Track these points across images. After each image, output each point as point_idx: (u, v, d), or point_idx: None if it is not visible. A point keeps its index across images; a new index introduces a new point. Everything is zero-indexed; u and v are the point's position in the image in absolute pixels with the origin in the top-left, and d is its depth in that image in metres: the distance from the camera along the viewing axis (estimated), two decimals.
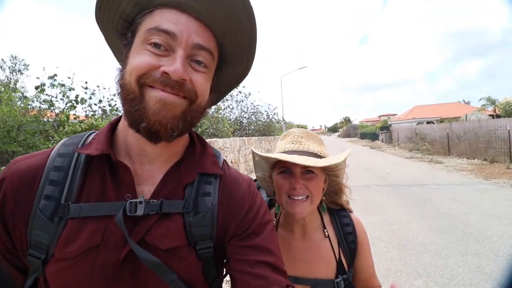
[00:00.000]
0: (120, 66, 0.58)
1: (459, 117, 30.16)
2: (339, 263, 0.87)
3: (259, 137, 14.22)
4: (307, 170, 0.84)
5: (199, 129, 9.78)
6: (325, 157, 0.88)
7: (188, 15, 0.53)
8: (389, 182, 8.11)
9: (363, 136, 41.55)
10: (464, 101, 48.61)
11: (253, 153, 0.95)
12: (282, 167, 0.86)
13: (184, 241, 0.54)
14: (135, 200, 0.52)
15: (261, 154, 0.88)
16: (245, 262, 0.55)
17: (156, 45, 0.50)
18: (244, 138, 11.34)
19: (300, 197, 0.82)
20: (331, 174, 0.90)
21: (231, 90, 0.73)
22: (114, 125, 0.62)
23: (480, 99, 29.62)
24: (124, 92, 0.52)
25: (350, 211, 0.98)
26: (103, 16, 0.56)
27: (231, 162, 9.27)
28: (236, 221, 0.59)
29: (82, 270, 0.49)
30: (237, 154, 9.97)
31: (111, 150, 0.55)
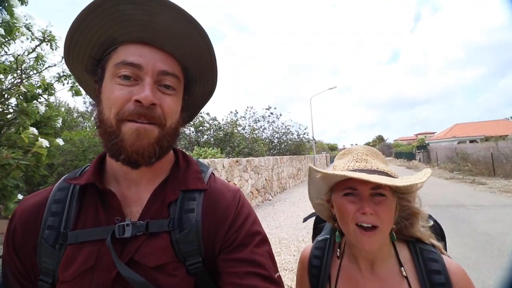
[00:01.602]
0: (93, 102, 0.64)
1: (507, 135, 28.06)
2: None
3: (290, 156, 14.72)
4: (377, 193, 0.70)
5: (236, 148, 10.61)
6: (397, 177, 0.74)
7: (151, 47, 0.57)
8: (426, 203, 7.99)
9: (398, 155, 39.90)
10: (511, 118, 44.89)
11: (310, 170, 0.81)
12: (347, 188, 0.73)
13: (173, 258, 0.56)
14: (123, 223, 0.56)
15: (324, 171, 0.75)
16: (234, 274, 0.55)
17: (125, 77, 0.54)
18: (276, 157, 11.94)
19: (368, 225, 0.69)
20: (403, 198, 0.75)
21: (203, 106, 0.77)
22: (103, 155, 0.66)
23: None
24: (103, 126, 0.56)
25: (441, 252, 0.76)
26: (72, 59, 0.61)
27: (265, 179, 9.86)
28: (221, 233, 0.59)
29: None
30: (270, 172, 10.54)
31: (97, 179, 0.60)
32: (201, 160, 5.90)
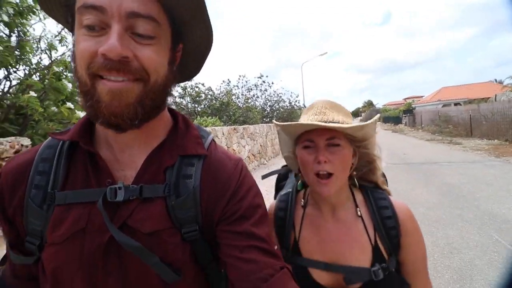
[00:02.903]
0: None
1: (489, 97, 29.04)
2: (375, 248, 0.77)
3: (283, 123, 15.32)
4: (332, 143, 0.76)
5: (232, 117, 11.15)
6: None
7: None
8: (404, 161, 9.00)
9: (386, 120, 41.07)
10: (496, 80, 45.93)
11: (275, 124, 0.88)
12: (306, 141, 0.79)
13: (168, 224, 0.53)
14: (115, 186, 0.52)
15: (282, 124, 0.81)
16: (235, 247, 0.53)
17: (89, 27, 0.45)
18: (270, 124, 12.56)
19: (324, 172, 0.75)
20: (360, 146, 0.81)
21: (204, 59, 0.66)
22: None
23: (509, 77, 28.16)
24: (79, 85, 0.49)
25: (389, 194, 0.86)
26: (52, 11, 0.55)
27: (260, 145, 10.58)
28: (221, 203, 0.56)
29: (71, 254, 0.50)
30: (264, 139, 11.24)
31: (81, 138, 0.55)
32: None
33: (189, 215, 0.55)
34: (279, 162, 10.77)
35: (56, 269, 0.51)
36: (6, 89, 3.32)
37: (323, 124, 0.71)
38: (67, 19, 0.53)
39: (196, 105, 11.96)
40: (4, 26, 3.06)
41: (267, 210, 0.79)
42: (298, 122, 0.76)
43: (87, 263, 0.50)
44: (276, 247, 0.58)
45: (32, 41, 3.58)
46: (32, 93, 2.92)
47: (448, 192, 5.39)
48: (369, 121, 0.76)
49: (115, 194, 0.52)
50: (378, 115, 0.87)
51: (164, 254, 0.52)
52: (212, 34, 0.60)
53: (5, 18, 2.88)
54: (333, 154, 0.75)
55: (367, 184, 0.88)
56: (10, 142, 2.69)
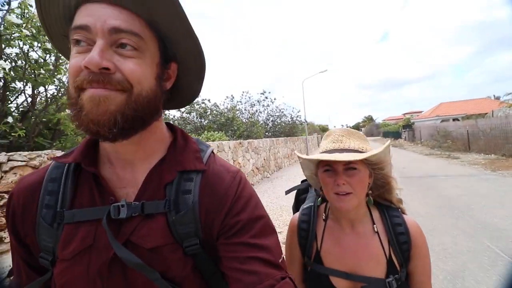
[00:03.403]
0: None
1: (486, 113, 29.61)
2: (389, 261, 0.84)
3: (285, 137, 15.77)
4: (350, 167, 0.84)
5: (237, 132, 11.57)
6: (365, 151, 0.87)
7: (102, 4, 0.49)
8: (404, 175, 9.29)
9: (386, 134, 41.61)
10: (494, 96, 46.76)
11: (298, 156, 0.98)
12: (326, 166, 0.87)
13: (170, 239, 0.54)
14: (118, 204, 0.54)
15: (304, 157, 0.92)
16: (235, 259, 0.54)
17: (77, 42, 0.48)
18: (273, 139, 12.98)
19: (343, 193, 0.83)
20: (376, 168, 0.89)
21: (201, 80, 0.66)
22: None
23: (507, 94, 28.82)
24: (68, 100, 0.52)
25: (403, 212, 0.95)
26: (59, 45, 0.59)
27: (264, 159, 10.92)
28: (219, 217, 0.57)
29: (79, 270, 0.53)
30: (268, 153, 11.59)
31: (84, 159, 0.58)
32: (210, 142, 6.88)
33: (190, 230, 0.55)
34: (282, 176, 11.07)
35: (66, 284, 0.53)
36: (41, 107, 3.69)
37: (340, 159, 0.80)
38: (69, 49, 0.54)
39: (202, 120, 12.44)
40: (44, 53, 3.48)
41: (291, 223, 0.99)
42: (318, 157, 0.85)
43: (93, 279, 0.52)
44: (281, 259, 0.57)
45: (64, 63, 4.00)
46: (68, 111, 3.29)
47: (444, 204, 5.67)
48: (381, 149, 0.83)
49: (118, 212, 0.53)
50: (389, 141, 0.92)
51: (166, 269, 0.53)
52: (201, 50, 0.59)
53: (48, 45, 3.31)
54: (351, 177, 0.84)
55: (384, 202, 0.95)
56: (47, 155, 3.04)
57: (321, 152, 0.90)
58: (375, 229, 0.89)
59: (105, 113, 0.48)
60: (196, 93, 0.70)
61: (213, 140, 8.01)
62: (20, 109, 3.60)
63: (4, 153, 2.66)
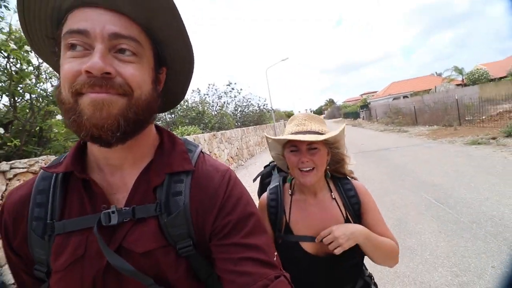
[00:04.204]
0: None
1: (430, 89, 32.99)
2: (346, 220, 1.01)
3: (254, 126, 16.40)
4: (312, 147, 0.97)
5: (209, 124, 11.89)
6: (325, 133, 1.00)
7: (98, 8, 0.49)
8: (361, 150, 10.47)
9: (346, 115, 44.33)
10: (436, 73, 51.67)
11: (266, 137, 1.12)
12: (291, 146, 1.01)
13: (162, 242, 0.54)
14: (108, 210, 0.54)
15: (273, 137, 1.05)
16: (228, 260, 0.54)
17: (72, 46, 0.48)
18: (243, 128, 13.51)
19: (307, 169, 0.97)
20: (333, 147, 1.04)
21: (189, 81, 0.67)
22: (84, 141, 0.61)
23: (446, 70, 32.24)
24: (62, 105, 0.50)
25: (355, 179, 1.12)
26: (37, 46, 0.57)
27: (237, 148, 11.45)
28: (210, 218, 0.57)
29: (73, 280, 0.52)
30: (240, 142, 12.13)
31: (76, 167, 0.57)
32: (186, 136, 7.18)
33: (182, 231, 0.55)
34: (255, 162, 11.72)
35: None
36: (24, 116, 3.80)
37: (305, 139, 0.92)
38: (53, 52, 0.54)
39: (172, 116, 12.51)
40: (27, 64, 3.57)
41: (261, 203, 1.11)
42: (286, 137, 0.98)
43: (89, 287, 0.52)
44: (274, 256, 0.57)
45: (33, 71, 4.06)
46: (59, 117, 3.50)
47: (394, 170, 6.74)
48: (337, 131, 0.98)
49: (109, 218, 0.53)
50: (344, 125, 1.08)
51: (159, 273, 0.53)
52: (193, 56, 0.61)
53: (30, 55, 3.43)
54: (313, 155, 0.97)
55: (338, 175, 1.11)
56: (43, 160, 3.27)
57: (288, 134, 1.02)
58: (333, 196, 1.06)
59: (109, 117, 0.48)
60: (182, 96, 0.71)
61: (188, 134, 8.32)
62: (3, 119, 3.68)
63: (4, 162, 2.87)
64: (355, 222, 1.02)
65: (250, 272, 0.52)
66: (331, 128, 1.08)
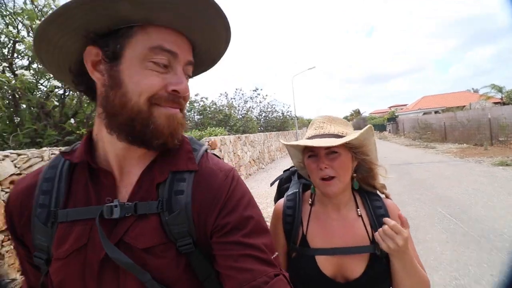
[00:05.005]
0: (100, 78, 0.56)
1: (464, 106, 31.48)
2: (372, 242, 0.87)
3: (277, 132, 16.83)
4: (331, 151, 0.87)
5: (234, 127, 12.52)
6: (344, 135, 0.90)
7: (182, 35, 0.57)
8: (384, 163, 10.42)
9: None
10: (473, 89, 49.04)
11: (284, 144, 1.03)
12: (309, 152, 0.91)
13: (163, 239, 0.55)
14: (111, 204, 0.55)
15: (288, 143, 0.96)
16: (229, 257, 0.55)
17: (162, 65, 0.54)
18: (266, 133, 14.02)
19: (327, 176, 0.86)
20: (358, 152, 0.90)
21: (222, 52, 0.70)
22: (91, 137, 0.64)
23: (483, 87, 30.66)
24: (126, 111, 0.53)
25: (387, 196, 0.97)
26: (59, 26, 0.52)
27: (259, 152, 11.92)
28: (212, 216, 0.58)
29: (74, 268, 0.54)
30: (262, 146, 12.61)
31: (89, 157, 0.60)
32: (213, 137, 7.78)
33: (183, 230, 0.56)
34: (275, 167, 12.10)
35: (61, 282, 0.54)
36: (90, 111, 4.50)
37: (318, 144, 0.84)
38: (84, 41, 0.54)
39: (201, 117, 13.33)
40: None
41: (276, 209, 1.01)
42: (298, 142, 0.90)
43: (87, 277, 0.53)
44: (274, 256, 0.58)
45: None
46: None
47: (413, 184, 6.83)
48: (357, 133, 0.85)
49: (111, 212, 0.54)
50: (370, 125, 0.90)
51: (158, 270, 0.54)
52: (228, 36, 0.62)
53: None
54: (333, 161, 0.87)
55: (367, 187, 0.97)
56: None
57: (305, 139, 0.93)
58: (359, 212, 0.93)
59: (178, 128, 0.59)
60: (214, 62, 0.72)
61: (215, 135, 8.92)
62: (69, 110, 4.40)
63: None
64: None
65: (250, 268, 0.53)
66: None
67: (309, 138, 0.93)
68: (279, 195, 1.20)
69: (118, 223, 0.56)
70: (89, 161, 0.60)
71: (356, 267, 0.86)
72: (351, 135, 0.88)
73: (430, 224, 4.22)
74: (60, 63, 0.60)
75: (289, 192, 1.05)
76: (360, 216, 0.93)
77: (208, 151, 0.70)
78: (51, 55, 0.58)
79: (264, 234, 0.60)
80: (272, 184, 1.20)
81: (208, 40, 0.61)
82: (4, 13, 3.58)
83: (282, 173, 1.22)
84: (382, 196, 1.00)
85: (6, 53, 3.72)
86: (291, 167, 1.18)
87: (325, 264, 0.88)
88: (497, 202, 4.96)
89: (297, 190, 1.03)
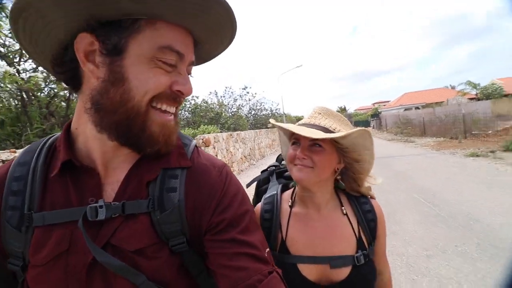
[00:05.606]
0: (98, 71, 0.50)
1: (442, 101, 33.07)
2: (359, 240, 0.86)
3: (266, 129, 17.27)
4: (315, 143, 0.83)
5: (225, 125, 12.84)
6: (336, 132, 0.84)
7: (189, 33, 0.55)
8: None
9: (357, 124, 44.60)
10: (451, 86, 51.38)
11: (272, 124, 0.96)
12: (294, 139, 0.88)
13: (154, 239, 0.53)
14: (95, 204, 0.51)
15: (275, 123, 0.91)
16: (223, 255, 0.53)
17: (170, 65, 0.52)
18: (256, 130, 14.43)
19: (303, 166, 0.83)
20: (347, 156, 0.85)
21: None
22: (69, 127, 0.59)
23: (460, 84, 32.37)
24: (129, 111, 0.50)
25: (372, 197, 0.95)
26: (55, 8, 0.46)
27: (250, 149, 12.30)
28: (207, 214, 0.56)
29: (55, 275, 0.50)
30: (253, 143, 13.00)
31: (72, 155, 0.55)
32: (206, 135, 8.10)
33: (176, 229, 0.54)
34: (265, 163, 12.46)
35: None
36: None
37: (301, 133, 0.79)
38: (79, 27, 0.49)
39: (192, 116, 13.56)
40: None
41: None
42: (288, 126, 0.87)
43: (70, 285, 0.50)
44: (266, 251, 0.57)
45: None
46: None
47: (394, 175, 7.42)
48: (343, 133, 0.78)
49: (96, 213, 0.50)
50: (366, 129, 0.84)
51: (151, 271, 0.51)
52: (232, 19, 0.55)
53: None
54: (315, 153, 0.83)
55: (353, 193, 0.94)
56: None
57: (295, 125, 0.90)
58: (344, 211, 0.90)
59: (172, 135, 0.57)
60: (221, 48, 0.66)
61: (208, 133, 9.22)
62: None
63: None
64: (369, 243, 0.88)
65: (245, 267, 0.52)
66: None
67: (299, 125, 0.90)
68: (257, 197, 1.11)
69: (104, 225, 0.52)
70: (73, 160, 0.54)
71: (341, 271, 0.83)
72: (339, 133, 0.82)
73: (406, 208, 4.76)
74: (39, 39, 0.52)
75: (267, 194, 1.00)
76: (346, 214, 0.90)
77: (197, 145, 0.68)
78: (31, 26, 0.49)
79: (258, 229, 0.60)
80: (248, 185, 1.03)
81: (213, 39, 0.59)
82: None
83: (260, 173, 1.15)
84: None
85: (12, 57, 3.90)
86: (269, 167, 1.14)
87: (308, 271, 0.84)
88: (465, 188, 5.59)
89: (275, 192, 0.98)
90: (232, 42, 0.62)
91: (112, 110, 0.51)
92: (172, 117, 0.57)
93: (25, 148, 0.61)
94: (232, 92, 17.81)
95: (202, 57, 0.65)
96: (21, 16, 0.48)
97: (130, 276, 0.49)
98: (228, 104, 17.08)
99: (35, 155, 0.57)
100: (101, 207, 0.51)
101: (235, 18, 0.54)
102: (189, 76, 0.58)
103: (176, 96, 0.55)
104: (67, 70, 0.54)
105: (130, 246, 0.51)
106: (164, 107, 0.54)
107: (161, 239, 0.53)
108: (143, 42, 0.50)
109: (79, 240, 0.50)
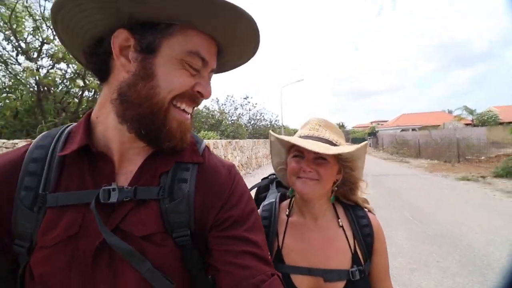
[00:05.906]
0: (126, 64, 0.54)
1: (439, 125, 33.74)
2: (354, 254, 0.85)
3: (264, 139, 17.51)
4: (319, 157, 0.83)
5: (225, 132, 13.06)
6: (338, 145, 0.87)
7: (215, 42, 0.58)
8: (364, 174, 11.29)
9: (354, 141, 44.98)
10: (448, 110, 52.43)
11: (270, 134, 0.95)
12: (296, 151, 0.87)
13: (161, 228, 0.54)
14: (108, 187, 0.52)
15: (278, 136, 0.90)
16: (228, 252, 0.54)
17: (195, 69, 0.56)
18: (254, 140, 14.66)
19: (308, 178, 0.82)
20: (346, 166, 0.88)
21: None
22: (89, 116, 0.62)
23: (457, 109, 33.11)
24: (153, 106, 0.53)
25: (370, 211, 0.95)
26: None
27: (247, 157, 12.48)
28: (214, 210, 0.58)
29: (62, 258, 0.50)
30: (250, 152, 13.19)
31: (90, 141, 0.57)
32: (206, 141, 8.24)
33: (182, 219, 0.55)
34: (262, 172, 12.66)
35: (45, 274, 0.50)
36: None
37: (313, 149, 0.79)
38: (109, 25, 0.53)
39: (194, 121, 13.72)
40: None
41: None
42: (293, 140, 0.86)
43: (77, 270, 0.50)
44: (268, 255, 0.58)
45: None
46: None
47: (387, 192, 7.63)
48: (352, 149, 0.82)
49: (108, 196, 0.52)
50: (366, 142, 0.90)
51: (157, 259, 0.51)
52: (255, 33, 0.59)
53: None
54: (319, 166, 0.84)
55: (348, 202, 0.95)
56: None
57: (296, 137, 0.90)
58: (340, 223, 0.89)
59: (187, 133, 0.60)
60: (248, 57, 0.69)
61: (208, 139, 9.42)
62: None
63: None
64: (365, 259, 0.87)
65: (249, 266, 0.53)
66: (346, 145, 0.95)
67: (301, 137, 0.90)
68: (256, 204, 1.18)
69: (115, 209, 0.53)
70: (89, 145, 0.56)
71: (335, 285, 0.83)
72: (348, 147, 0.86)
73: (396, 224, 4.94)
74: (77, 32, 0.56)
75: (266, 202, 1.01)
76: (342, 226, 0.89)
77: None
78: (70, 19, 0.53)
79: (262, 230, 0.62)
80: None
81: (235, 52, 0.64)
82: (35, 17, 4.00)
83: (260, 181, 1.16)
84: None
85: (32, 54, 4.12)
86: (269, 175, 1.14)
87: (302, 282, 0.84)
88: (454, 209, 5.80)
89: (274, 200, 0.98)
90: (249, 61, 0.67)
91: (138, 103, 0.54)
92: (189, 116, 0.60)
93: (43, 133, 0.63)
94: (233, 101, 18.18)
95: (220, 67, 0.69)
96: (63, 7, 0.51)
97: (137, 262, 0.49)
98: (228, 112, 17.41)
99: (55, 139, 0.59)
100: (113, 190, 0.53)
101: (259, 40, 0.60)
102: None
103: (195, 98, 0.58)
104: (98, 61, 0.58)
105: (139, 231, 0.52)
106: (183, 106, 0.57)
107: (166, 229, 0.54)
108: (175, 45, 0.54)
109: (90, 223, 0.51)
